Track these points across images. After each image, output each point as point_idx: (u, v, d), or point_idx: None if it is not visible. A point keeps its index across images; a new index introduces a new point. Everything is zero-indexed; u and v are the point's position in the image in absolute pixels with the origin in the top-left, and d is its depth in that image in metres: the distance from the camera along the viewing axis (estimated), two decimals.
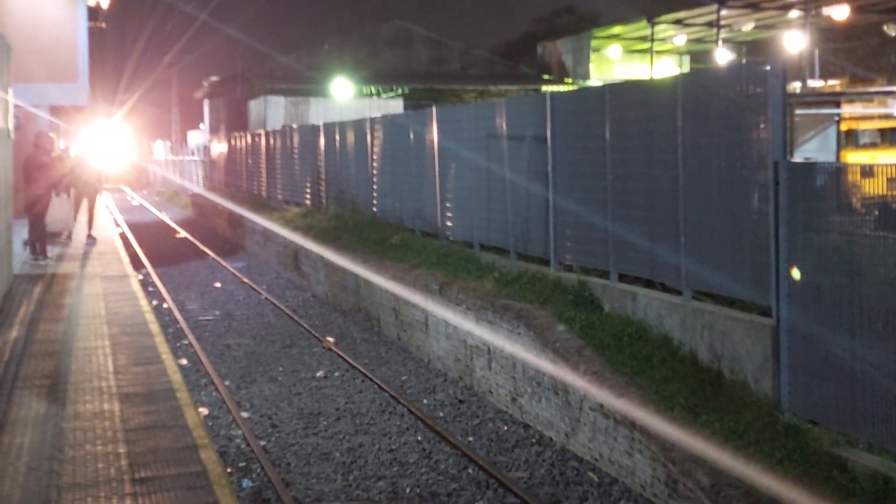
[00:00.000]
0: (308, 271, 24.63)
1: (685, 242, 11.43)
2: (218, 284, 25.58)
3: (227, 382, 15.12)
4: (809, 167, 9.64)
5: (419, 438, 12.28)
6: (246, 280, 25.82)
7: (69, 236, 23.00)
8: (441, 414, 13.44)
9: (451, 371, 15.34)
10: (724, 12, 36.53)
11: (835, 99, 29.76)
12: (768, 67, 10.06)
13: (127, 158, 78.82)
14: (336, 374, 15.71)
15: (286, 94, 45.51)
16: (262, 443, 12.15)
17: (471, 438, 12.33)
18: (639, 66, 49.07)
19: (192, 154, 66.22)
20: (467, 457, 11.39)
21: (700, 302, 11.22)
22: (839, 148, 27.97)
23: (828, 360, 8.94)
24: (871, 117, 29.24)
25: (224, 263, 29.41)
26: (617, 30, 47.62)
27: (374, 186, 23.97)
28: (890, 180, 8.55)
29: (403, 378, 15.46)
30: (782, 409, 9.45)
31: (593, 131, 13.49)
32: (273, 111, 43.61)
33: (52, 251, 20.03)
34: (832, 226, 8.99)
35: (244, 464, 11.36)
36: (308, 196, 30.95)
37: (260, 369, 16.14)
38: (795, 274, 9.42)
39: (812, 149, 27.73)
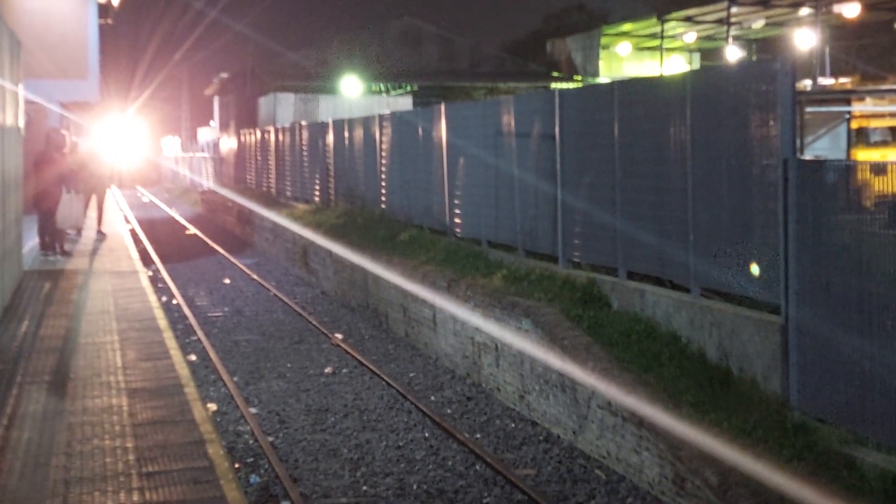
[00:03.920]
0: (317, 268, 24.65)
1: (694, 240, 11.40)
2: (227, 281, 25.62)
3: (235, 378, 15.14)
4: (819, 165, 9.61)
5: (427, 435, 12.29)
6: (255, 276, 25.85)
7: (79, 233, 23.04)
8: (449, 411, 13.44)
9: (458, 368, 15.34)
10: (734, 9, 36.43)
11: (845, 97, 29.67)
12: (778, 65, 10.03)
13: (140, 155, 78.92)
14: (344, 370, 15.72)
15: (296, 90, 45.53)
16: (270, 438, 12.16)
17: (478, 435, 12.33)
18: (648, 64, 48.96)
19: (202, 150, 66.35)
20: (474, 454, 11.39)
21: (708, 300, 11.20)
22: (850, 146, 27.89)
23: (837, 359, 8.91)
24: (881, 115, 29.15)
25: (233, 260, 29.45)
26: (627, 27, 47.53)
27: (383, 183, 23.97)
28: None
29: (411, 375, 15.46)
30: (791, 408, 9.43)
31: (602, 129, 13.47)
32: (282, 108, 43.64)
33: None
34: (842, 224, 8.95)
35: (252, 459, 11.38)
36: (317, 193, 30.97)
37: (268, 365, 16.16)
38: (754, 269, 9.48)
39: (822, 147, 27.67)
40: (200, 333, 18.21)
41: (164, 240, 35.06)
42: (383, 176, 23.93)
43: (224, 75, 60.73)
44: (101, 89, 30.39)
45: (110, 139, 43.81)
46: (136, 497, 6.55)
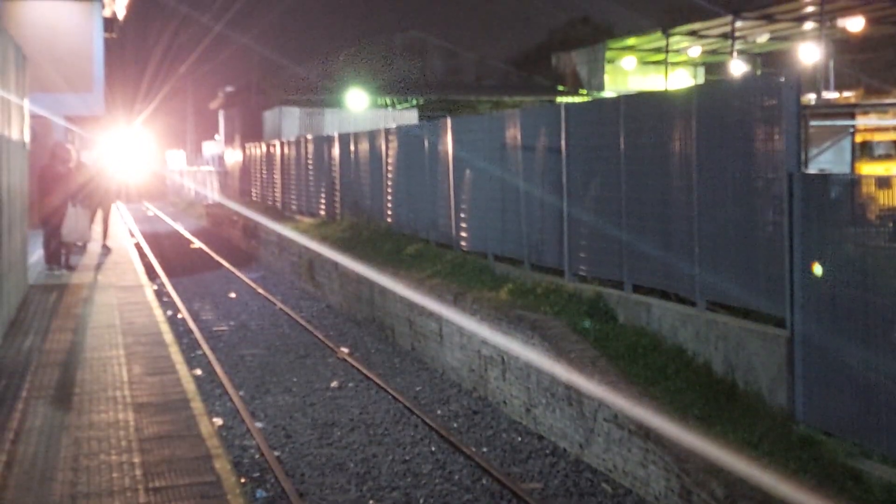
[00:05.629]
0: (322, 282, 24.66)
1: (699, 253, 11.41)
2: (232, 295, 25.62)
3: (241, 393, 15.14)
4: (824, 179, 9.63)
5: (433, 449, 12.28)
6: (260, 290, 25.86)
7: (85, 247, 23.06)
8: (455, 425, 13.43)
9: (465, 382, 15.33)
10: (738, 24, 36.53)
11: (850, 110, 29.75)
12: (782, 79, 10.06)
13: (145, 168, 78.95)
14: (350, 384, 15.72)
15: (301, 104, 45.62)
16: (277, 453, 12.16)
17: (485, 449, 12.32)
18: (653, 78, 49.07)
19: (207, 164, 66.45)
20: (481, 468, 11.38)
21: (714, 313, 11.20)
22: (854, 159, 27.94)
23: (842, 372, 8.91)
24: (885, 129, 29.21)
25: (238, 274, 29.47)
26: (632, 41, 47.65)
27: (389, 197, 24.00)
28: None
29: (417, 388, 15.46)
30: (796, 420, 9.43)
31: (608, 142, 13.49)
32: (288, 121, 43.71)
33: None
34: (847, 237, 8.97)
35: (258, 474, 11.37)
36: (322, 206, 31.00)
37: (274, 380, 16.16)
38: (817, 270, 9.35)
39: (827, 160, 27.72)
40: (206, 348, 18.23)
41: (169, 254, 35.08)
42: (389, 189, 23.96)
43: (229, 89, 60.87)
44: (106, 103, 30.45)
45: (115, 153, 43.84)
46: None
